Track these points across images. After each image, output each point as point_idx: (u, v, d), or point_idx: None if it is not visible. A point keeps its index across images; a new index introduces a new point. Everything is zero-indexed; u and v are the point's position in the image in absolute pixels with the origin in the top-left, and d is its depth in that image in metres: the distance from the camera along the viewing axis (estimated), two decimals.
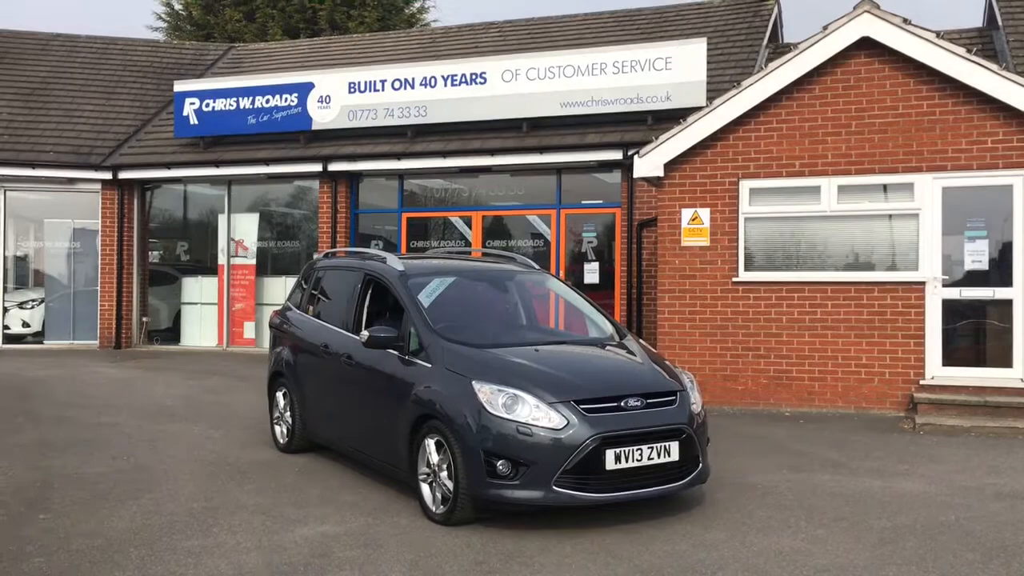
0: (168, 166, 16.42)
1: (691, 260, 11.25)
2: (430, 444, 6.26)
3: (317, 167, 15.61)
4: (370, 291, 7.58)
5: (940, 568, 5.29)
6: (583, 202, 15.00)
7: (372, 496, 6.89)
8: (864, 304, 10.56)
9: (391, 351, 6.82)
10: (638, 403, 6.05)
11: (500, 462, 5.82)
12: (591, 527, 5.98)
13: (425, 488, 6.33)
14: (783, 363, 10.84)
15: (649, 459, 5.95)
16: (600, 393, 6.04)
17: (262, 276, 16.71)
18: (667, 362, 6.95)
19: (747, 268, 11.06)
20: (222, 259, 16.85)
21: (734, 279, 11.03)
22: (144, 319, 17.35)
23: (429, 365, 6.47)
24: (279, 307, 9.43)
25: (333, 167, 15.55)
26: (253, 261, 16.72)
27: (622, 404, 6.01)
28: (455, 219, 15.91)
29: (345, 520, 6.26)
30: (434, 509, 6.21)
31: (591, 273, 14.71)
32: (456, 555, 5.50)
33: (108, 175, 16.71)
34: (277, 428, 8.63)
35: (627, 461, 5.87)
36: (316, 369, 8.00)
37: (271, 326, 9.11)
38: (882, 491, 6.97)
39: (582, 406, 5.90)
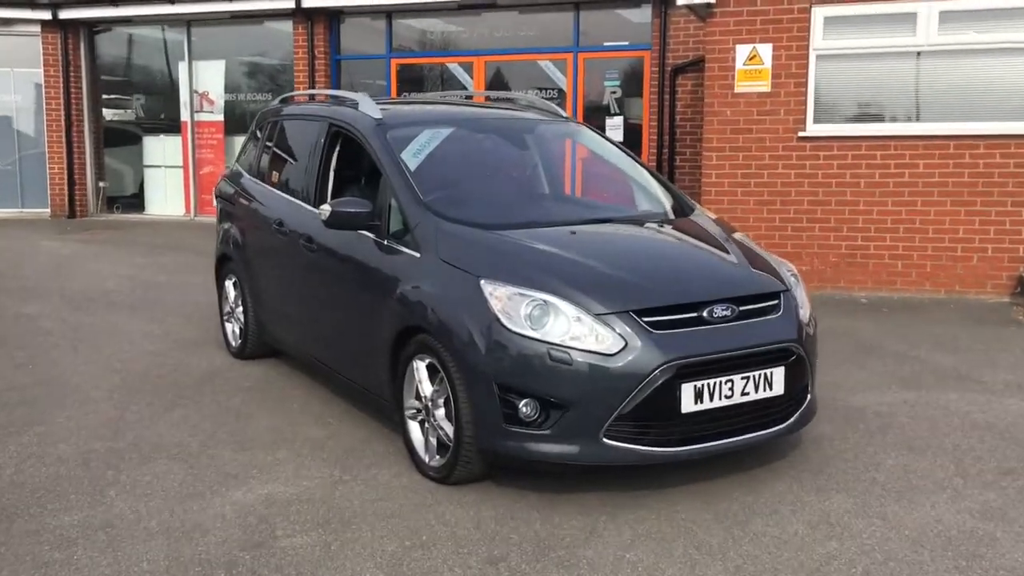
0: (115, 3, 13.90)
1: (746, 110, 9.06)
2: (420, 368, 4.34)
3: (290, 3, 13.13)
4: (337, 148, 5.50)
5: None
6: (605, 44, 12.61)
7: (344, 430, 5.02)
8: (966, 164, 8.45)
9: (365, 233, 4.81)
10: (727, 311, 4.08)
11: (523, 402, 3.90)
12: (652, 489, 4.13)
13: (414, 429, 4.45)
14: (858, 237, 8.83)
15: (744, 394, 4.02)
16: (671, 298, 4.06)
17: (232, 135, 14.42)
18: (757, 246, 4.93)
19: (817, 120, 8.88)
20: (185, 115, 14.57)
21: (800, 134, 8.88)
22: (101, 184, 15.22)
23: (418, 254, 4.47)
24: (230, 171, 7.35)
25: (308, 3, 13.08)
26: (221, 117, 14.45)
27: (704, 314, 4.03)
28: (453, 66, 13.55)
29: (301, 473, 4.40)
30: (427, 460, 4.33)
31: (614, 129, 12.49)
32: (460, 545, 3.65)
33: (47, 14, 14.24)
34: (228, 327, 6.72)
35: (712, 399, 3.94)
36: (271, 253, 6.01)
37: (217, 195, 7.07)
38: None
39: (645, 319, 3.93)
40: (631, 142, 12.25)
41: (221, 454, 4.67)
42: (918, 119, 8.62)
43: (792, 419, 4.26)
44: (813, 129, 8.86)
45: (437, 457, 4.28)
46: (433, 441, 4.30)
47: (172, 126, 14.90)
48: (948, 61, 8.51)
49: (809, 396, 4.38)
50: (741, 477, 4.28)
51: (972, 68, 8.47)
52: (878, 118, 8.83)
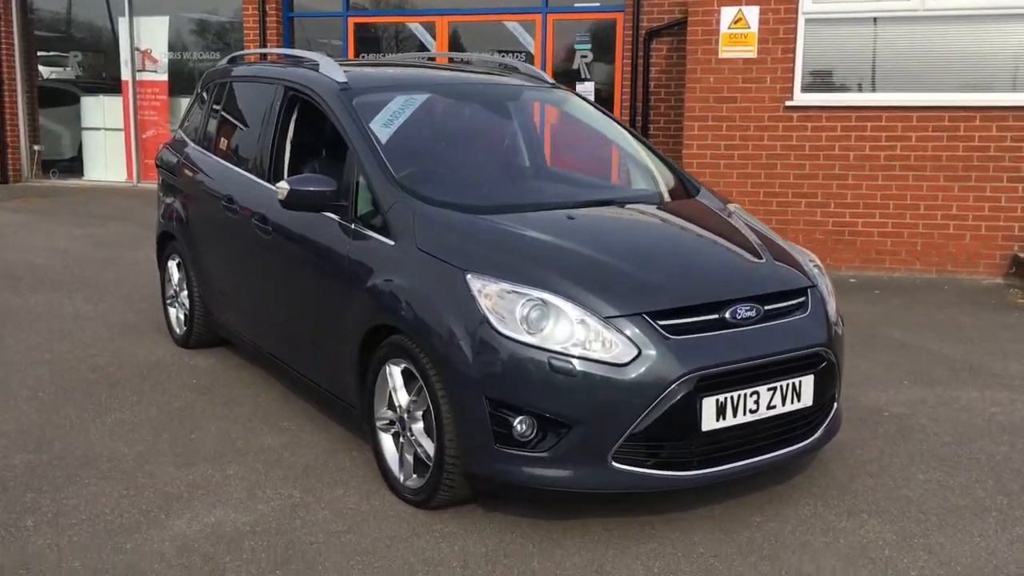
0: None
1: (731, 78, 8.51)
2: (395, 373, 3.75)
3: None
4: (295, 116, 4.83)
5: None
6: (576, 5, 11.95)
7: (303, 437, 4.42)
8: (960, 136, 8.01)
9: (329, 215, 4.18)
10: (751, 312, 3.54)
11: (518, 419, 3.34)
12: (663, 513, 3.60)
13: (387, 442, 3.87)
14: (846, 213, 8.37)
15: (770, 407, 3.50)
16: (689, 297, 3.51)
17: (177, 96, 13.51)
18: (770, 230, 4.39)
19: (806, 89, 8.38)
20: (126, 74, 13.61)
21: (787, 103, 8.37)
22: (36, 147, 14.22)
23: (391, 242, 3.85)
24: (173, 138, 6.62)
25: None
26: (165, 77, 13.52)
27: (726, 316, 3.49)
28: (415, 25, 12.78)
29: (256, 495, 3.80)
30: (402, 479, 3.76)
31: (585, 95, 11.85)
32: None
33: None
34: (171, 312, 6.05)
35: (736, 415, 3.41)
36: (219, 233, 5.34)
37: (158, 165, 6.35)
38: None
39: (661, 322, 3.37)
40: None
41: (161, 470, 4.05)
42: (911, 89, 8.14)
43: (818, 433, 3.75)
44: (801, 98, 8.35)
45: (414, 476, 3.71)
46: (409, 458, 3.73)
47: (113, 86, 13.94)
48: (944, 27, 8.04)
49: (836, 406, 3.88)
50: (760, 498, 3.77)
51: (969, 35, 8.01)
52: (869, 87, 8.36)
